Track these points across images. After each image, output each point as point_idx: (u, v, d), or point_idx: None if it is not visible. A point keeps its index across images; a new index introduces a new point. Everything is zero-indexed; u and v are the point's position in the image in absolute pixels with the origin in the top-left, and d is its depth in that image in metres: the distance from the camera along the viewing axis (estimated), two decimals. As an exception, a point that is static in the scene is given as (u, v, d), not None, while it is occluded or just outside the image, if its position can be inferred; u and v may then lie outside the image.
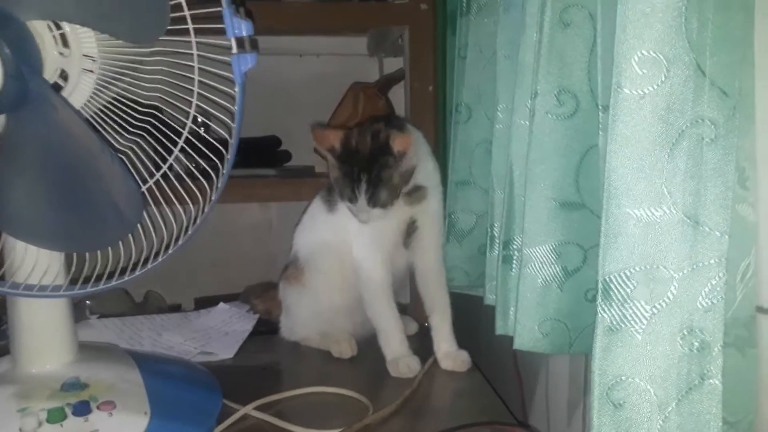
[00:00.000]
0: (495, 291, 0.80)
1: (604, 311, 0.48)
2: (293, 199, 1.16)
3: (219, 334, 1.01)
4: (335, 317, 0.96)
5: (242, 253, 1.46)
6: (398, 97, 1.31)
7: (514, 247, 0.75)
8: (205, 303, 1.22)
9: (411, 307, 1.11)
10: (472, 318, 1.14)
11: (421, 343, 0.94)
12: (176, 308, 1.37)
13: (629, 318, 0.48)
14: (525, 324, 0.69)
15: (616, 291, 0.48)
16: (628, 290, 0.48)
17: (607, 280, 0.48)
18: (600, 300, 0.49)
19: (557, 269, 0.68)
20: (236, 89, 0.54)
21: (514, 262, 0.75)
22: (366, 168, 0.82)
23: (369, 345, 0.92)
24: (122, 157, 0.60)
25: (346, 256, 0.91)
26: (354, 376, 0.89)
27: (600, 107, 0.60)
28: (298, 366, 0.94)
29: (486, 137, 0.91)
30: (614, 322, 0.48)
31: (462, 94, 0.95)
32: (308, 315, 0.98)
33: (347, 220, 0.89)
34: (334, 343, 0.95)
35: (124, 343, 0.95)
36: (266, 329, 1.05)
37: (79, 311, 1.04)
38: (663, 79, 0.46)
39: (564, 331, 0.69)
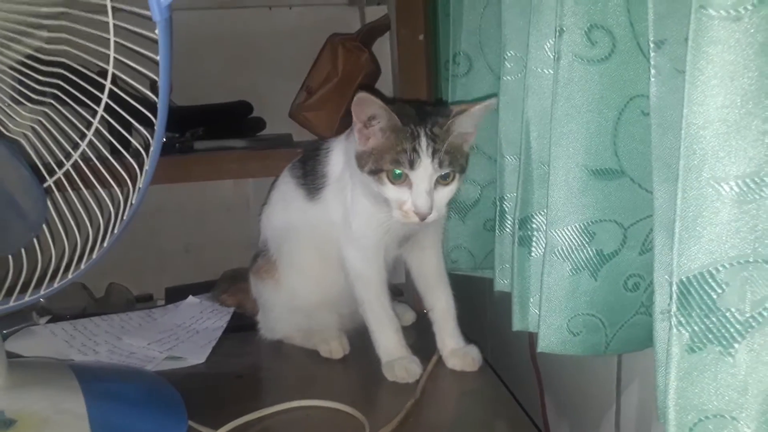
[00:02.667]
0: (509, 276, 0.67)
1: (682, 324, 0.35)
2: (269, 174, 1.01)
3: (188, 333, 0.88)
4: (318, 313, 0.83)
5: (217, 235, 1.32)
6: (384, 50, 1.15)
7: (534, 225, 0.61)
8: (177, 293, 1.09)
9: (407, 290, 0.98)
10: (476, 304, 1.02)
11: (419, 336, 0.81)
12: (146, 299, 1.24)
13: (717, 333, 0.34)
14: (551, 322, 0.56)
15: (697, 296, 0.35)
16: (715, 295, 0.34)
17: (685, 281, 0.35)
18: (675, 309, 0.35)
19: (590, 253, 0.55)
20: (157, 31, 0.38)
21: (534, 244, 0.61)
22: (427, 124, 0.67)
23: (361, 340, 0.79)
24: (23, 139, 0.44)
25: (327, 248, 0.78)
26: (345, 382, 0.76)
27: (651, 43, 0.45)
28: (281, 371, 0.81)
29: (490, 92, 0.77)
30: (696, 340, 0.35)
31: (459, 42, 0.80)
32: (287, 312, 0.85)
33: (332, 210, 0.76)
34: (322, 342, 0.82)
35: (75, 353, 0.81)
36: (243, 324, 0.91)
37: (23, 313, 0.90)
38: (768, -9, 0.32)
39: (599, 328, 0.57)
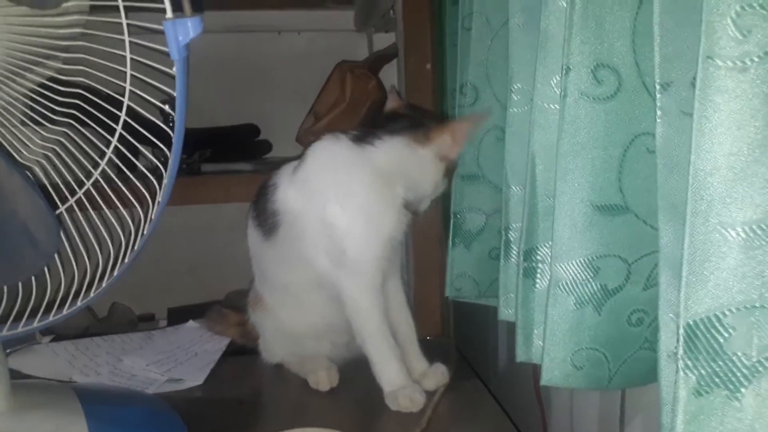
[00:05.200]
0: (513, 306, 0.67)
1: (689, 368, 0.35)
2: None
3: (187, 355, 0.88)
4: (309, 342, 0.83)
5: (222, 256, 1.32)
6: (390, 77, 1.17)
7: (538, 257, 0.62)
8: (180, 313, 1.09)
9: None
10: (480, 333, 1.02)
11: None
12: (148, 319, 1.24)
13: (724, 377, 0.35)
14: (555, 355, 0.56)
15: (704, 340, 0.35)
16: (722, 339, 0.35)
17: (692, 324, 0.35)
18: (682, 351, 0.35)
19: (594, 287, 0.55)
20: (174, 68, 0.39)
21: (539, 276, 0.62)
22: None
23: (359, 369, 0.78)
24: (37, 167, 0.45)
25: (300, 287, 0.78)
26: (346, 411, 0.76)
27: (657, 85, 0.46)
28: (282, 398, 0.80)
29: (497, 123, 0.78)
30: (703, 383, 0.35)
31: (467, 73, 0.81)
32: (280, 339, 0.85)
33: (303, 247, 0.75)
34: (311, 372, 0.81)
35: (77, 373, 0.81)
36: (245, 348, 0.91)
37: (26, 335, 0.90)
38: (775, 43, 0.32)
39: (602, 362, 0.57)
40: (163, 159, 0.50)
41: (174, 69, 0.39)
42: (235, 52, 1.28)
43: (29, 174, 0.44)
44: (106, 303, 1.19)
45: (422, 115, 0.83)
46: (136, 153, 0.51)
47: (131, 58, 0.43)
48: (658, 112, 0.45)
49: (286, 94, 1.27)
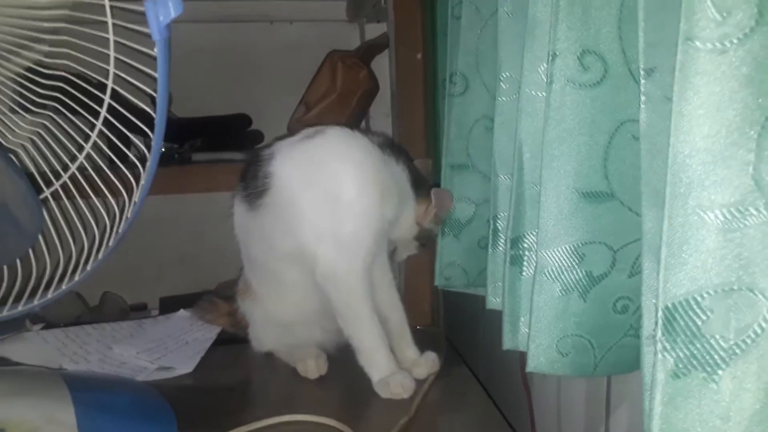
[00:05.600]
0: (501, 294, 0.67)
1: (667, 350, 0.35)
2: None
3: (178, 343, 0.88)
4: (298, 329, 0.83)
5: (213, 246, 1.31)
6: (382, 67, 1.16)
7: (525, 245, 0.62)
8: (172, 303, 1.09)
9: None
10: (469, 322, 1.02)
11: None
12: (140, 308, 1.24)
13: (702, 359, 0.35)
14: (540, 342, 0.56)
15: (682, 323, 0.35)
16: (700, 321, 0.35)
17: (670, 307, 0.35)
18: (660, 334, 0.36)
19: (580, 274, 0.55)
20: (155, 49, 0.39)
21: (525, 263, 0.62)
22: None
23: (350, 356, 0.78)
24: (21, 150, 0.45)
25: (287, 267, 0.78)
26: (336, 398, 0.76)
27: (641, 71, 0.46)
28: (272, 385, 0.80)
29: (485, 113, 0.78)
30: (681, 365, 0.35)
31: (456, 62, 0.81)
32: (269, 328, 0.85)
33: (294, 223, 0.74)
34: (300, 360, 0.81)
35: (67, 360, 0.81)
36: (235, 337, 0.91)
37: (16, 320, 0.90)
38: (753, 24, 0.33)
39: (587, 349, 0.57)
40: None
41: (155, 50, 0.39)
42: (227, 41, 1.27)
43: (11, 156, 0.44)
44: (97, 292, 1.19)
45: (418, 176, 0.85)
46: (127, 143, 0.51)
47: (114, 41, 0.43)
48: (642, 98, 0.45)
49: (278, 84, 1.27)
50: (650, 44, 0.44)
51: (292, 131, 1.13)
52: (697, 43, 0.33)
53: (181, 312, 0.97)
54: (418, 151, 1.01)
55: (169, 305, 1.09)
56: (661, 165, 0.44)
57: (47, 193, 0.49)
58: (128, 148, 0.51)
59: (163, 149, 0.82)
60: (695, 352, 0.35)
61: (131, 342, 0.87)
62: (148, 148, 0.50)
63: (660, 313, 0.35)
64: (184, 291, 1.17)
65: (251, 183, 0.78)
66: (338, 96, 1.08)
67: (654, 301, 0.43)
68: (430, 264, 0.95)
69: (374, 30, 1.22)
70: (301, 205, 0.74)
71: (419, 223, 0.83)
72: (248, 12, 1.23)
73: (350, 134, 0.79)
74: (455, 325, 0.82)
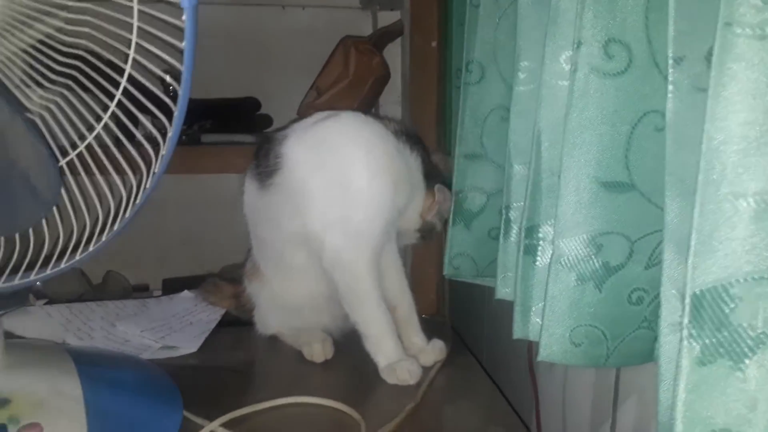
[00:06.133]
0: (512, 284, 0.67)
1: (693, 337, 0.35)
2: (273, 170, 1.00)
3: (182, 323, 0.87)
4: (305, 313, 0.83)
5: (219, 228, 1.31)
6: (395, 55, 1.16)
7: (540, 235, 0.61)
8: (175, 285, 1.09)
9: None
10: (474, 312, 1.02)
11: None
12: (142, 289, 1.24)
13: (728, 347, 0.35)
14: (554, 331, 0.56)
15: (710, 310, 0.35)
16: (728, 309, 0.35)
17: (698, 294, 0.35)
18: (687, 321, 0.35)
19: (596, 264, 0.55)
20: (184, 17, 0.38)
21: (539, 253, 0.62)
22: None
23: (354, 340, 0.78)
24: (38, 119, 0.44)
25: (296, 249, 0.77)
26: (342, 382, 0.76)
27: (670, 59, 0.45)
28: (278, 367, 0.80)
29: (501, 103, 0.77)
30: (707, 353, 0.35)
31: (473, 51, 0.80)
32: (275, 310, 0.84)
33: (305, 205, 0.74)
34: (306, 344, 0.81)
35: (71, 336, 0.81)
36: (240, 319, 0.91)
37: (20, 296, 0.90)
38: (796, 11, 0.32)
39: (600, 340, 0.57)
40: (162, 130, 0.49)
41: (183, 18, 0.38)
42: (238, 25, 1.26)
43: (36, 120, 0.43)
44: (101, 271, 1.18)
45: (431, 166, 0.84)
46: (135, 122, 0.50)
47: (139, 10, 0.42)
48: (670, 87, 0.44)
49: (289, 69, 1.26)
50: (681, 32, 0.43)
51: (302, 116, 1.13)
52: (737, 29, 0.33)
53: (186, 293, 0.96)
54: (429, 140, 1.01)
55: (172, 287, 1.09)
56: (687, 155, 0.44)
57: (63, 162, 0.48)
58: (136, 128, 0.50)
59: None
60: (722, 339, 0.35)
61: (135, 320, 0.87)
62: (161, 132, 0.49)
63: (687, 300, 0.35)
64: (188, 273, 1.17)
65: (263, 161, 0.77)
66: (350, 82, 1.07)
67: (675, 291, 0.43)
68: (436, 254, 0.94)
69: (387, 17, 1.21)
70: (311, 188, 0.74)
71: (423, 215, 0.82)
72: (260, -5, 1.23)
73: (364, 119, 0.78)
74: (460, 315, 0.82)
